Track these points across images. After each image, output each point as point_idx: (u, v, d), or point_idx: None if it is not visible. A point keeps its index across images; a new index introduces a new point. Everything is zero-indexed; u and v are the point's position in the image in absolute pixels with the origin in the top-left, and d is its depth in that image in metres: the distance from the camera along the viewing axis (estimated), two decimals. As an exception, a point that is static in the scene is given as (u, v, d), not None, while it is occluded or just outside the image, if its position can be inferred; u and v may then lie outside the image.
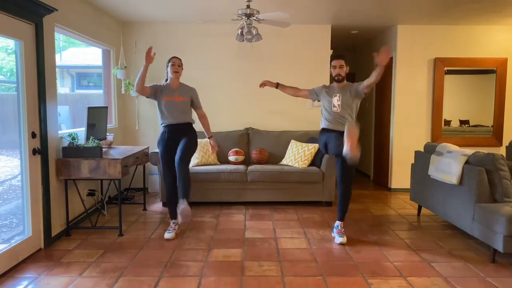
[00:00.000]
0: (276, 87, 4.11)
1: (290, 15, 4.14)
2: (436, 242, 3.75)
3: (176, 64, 3.87)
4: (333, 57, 3.88)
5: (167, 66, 3.90)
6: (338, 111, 3.78)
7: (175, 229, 3.91)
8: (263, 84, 4.13)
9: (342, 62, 3.77)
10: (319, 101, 4.05)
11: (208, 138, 4.11)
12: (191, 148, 3.83)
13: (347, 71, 3.83)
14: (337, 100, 3.79)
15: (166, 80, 3.96)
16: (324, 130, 3.91)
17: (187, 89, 3.97)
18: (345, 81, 3.87)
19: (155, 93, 3.86)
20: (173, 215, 3.94)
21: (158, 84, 3.93)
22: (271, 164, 5.26)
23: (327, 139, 3.78)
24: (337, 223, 3.87)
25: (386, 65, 3.45)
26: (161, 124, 3.91)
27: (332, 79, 3.95)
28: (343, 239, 3.72)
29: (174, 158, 3.76)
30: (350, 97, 3.79)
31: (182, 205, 3.56)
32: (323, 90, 3.93)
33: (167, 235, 3.84)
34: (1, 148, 4.02)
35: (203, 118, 4.09)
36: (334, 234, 3.85)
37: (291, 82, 5.74)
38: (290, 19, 4.32)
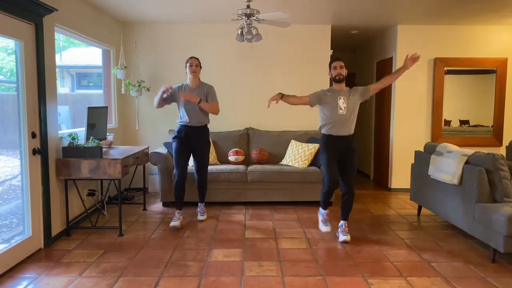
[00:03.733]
0: (281, 98, 3.86)
1: (290, 15, 4.14)
2: (436, 242, 3.75)
3: (194, 64, 4.11)
4: (332, 59, 3.90)
5: (186, 67, 4.13)
6: (345, 113, 3.71)
7: (180, 219, 4.19)
8: (271, 101, 3.87)
9: (342, 63, 3.83)
10: (312, 106, 4.01)
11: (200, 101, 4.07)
12: (206, 157, 4.32)
13: (346, 73, 3.85)
14: (343, 102, 3.75)
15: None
16: (329, 139, 3.79)
17: (203, 87, 4.20)
18: (345, 85, 3.87)
19: (173, 99, 4.16)
20: (179, 206, 4.24)
21: (175, 87, 4.16)
22: (271, 164, 5.25)
23: (340, 157, 3.79)
24: (341, 222, 3.90)
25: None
26: (178, 122, 4.22)
27: (332, 81, 3.92)
28: (347, 237, 3.76)
29: (186, 155, 4.22)
30: (354, 99, 3.80)
31: (200, 217, 4.45)
32: (326, 93, 3.84)
33: (173, 223, 4.11)
34: (1, 148, 4.03)
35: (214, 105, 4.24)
36: (338, 232, 3.89)
37: (291, 82, 5.78)
38: (290, 19, 4.31)
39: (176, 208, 4.24)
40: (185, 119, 4.13)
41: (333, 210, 4.82)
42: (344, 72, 3.82)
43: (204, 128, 4.26)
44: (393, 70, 5.87)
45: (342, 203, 3.87)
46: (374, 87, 3.92)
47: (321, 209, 4.03)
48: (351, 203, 3.85)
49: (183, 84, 4.21)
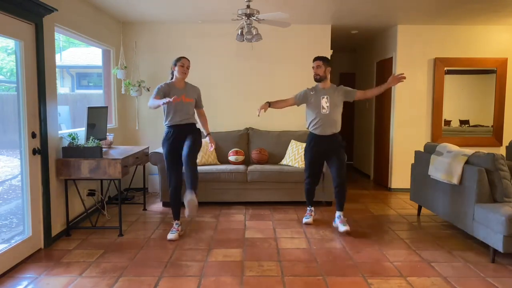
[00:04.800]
0: (269, 106, 4.09)
1: (290, 15, 4.14)
2: (436, 242, 3.75)
3: (185, 66, 3.82)
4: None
5: (175, 65, 3.82)
6: (327, 112, 3.87)
7: (178, 230, 3.88)
8: (260, 110, 4.03)
9: (319, 62, 3.95)
10: (298, 106, 4.21)
11: (207, 135, 4.11)
12: (196, 145, 3.81)
13: (327, 72, 3.96)
14: (326, 101, 3.86)
15: (171, 78, 3.90)
16: (314, 138, 4.01)
17: (192, 89, 3.96)
18: (329, 82, 4.00)
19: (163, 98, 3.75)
20: (176, 216, 3.92)
21: (163, 85, 3.80)
22: (271, 164, 5.25)
23: (326, 156, 4.03)
24: (338, 213, 4.05)
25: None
26: (166, 124, 3.85)
27: (333, 79, 4.00)
28: (347, 227, 3.89)
29: (179, 159, 3.76)
30: (338, 98, 3.89)
31: (190, 195, 3.54)
32: (309, 93, 4.01)
33: (170, 235, 3.80)
34: (1, 148, 4.03)
35: (203, 116, 4.12)
36: (337, 223, 4.01)
37: (291, 82, 5.78)
38: (290, 19, 4.31)
39: (174, 218, 3.94)
40: (174, 118, 3.79)
41: (331, 210, 4.82)
42: (321, 71, 3.92)
43: (193, 126, 3.90)
44: (393, 71, 5.90)
45: (335, 196, 4.04)
46: (360, 95, 4.02)
47: (308, 208, 4.34)
48: (344, 194, 4.03)
49: (167, 83, 3.86)
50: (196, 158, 3.78)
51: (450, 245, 3.67)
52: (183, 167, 3.74)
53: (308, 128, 4.13)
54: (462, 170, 3.62)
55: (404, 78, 3.80)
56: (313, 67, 3.97)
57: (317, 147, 4.01)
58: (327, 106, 3.86)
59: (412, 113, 5.87)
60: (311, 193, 4.28)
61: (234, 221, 4.39)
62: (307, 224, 4.22)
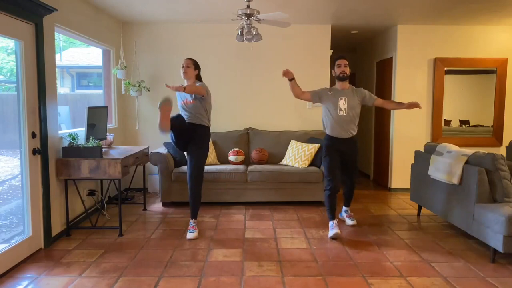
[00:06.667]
0: (290, 80, 3.80)
1: (290, 15, 4.14)
2: (436, 242, 3.75)
3: (185, 65, 3.89)
4: (336, 57, 3.95)
5: None
6: (344, 115, 3.77)
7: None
8: (284, 72, 3.74)
9: (346, 61, 3.87)
10: (313, 103, 4.12)
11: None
12: (201, 159, 3.89)
13: (349, 73, 3.89)
14: (343, 103, 3.77)
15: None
16: (332, 140, 3.88)
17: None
18: (349, 84, 3.93)
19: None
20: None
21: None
22: (271, 164, 5.25)
23: (342, 158, 3.91)
24: (345, 208, 4.26)
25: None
26: None
27: (334, 79, 3.98)
28: (354, 222, 4.18)
29: (185, 140, 3.87)
30: (356, 100, 3.83)
31: (188, 234, 3.83)
32: (327, 93, 3.90)
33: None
34: (1, 148, 4.02)
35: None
36: (344, 216, 4.21)
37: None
38: (290, 19, 4.31)
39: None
40: (184, 115, 3.91)
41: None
42: (348, 70, 3.86)
43: (200, 127, 3.90)
44: (393, 71, 5.90)
45: (344, 195, 4.20)
46: (379, 103, 3.97)
47: (330, 223, 3.85)
48: (353, 192, 4.24)
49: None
50: (199, 177, 3.86)
51: (450, 245, 3.67)
52: None
53: (325, 130, 3.98)
54: (462, 170, 3.62)
55: (420, 107, 3.96)
56: (339, 65, 3.79)
57: (335, 149, 3.86)
58: (345, 108, 3.75)
59: (412, 113, 5.85)
60: (334, 203, 3.86)
61: (234, 221, 4.39)
62: (335, 238, 3.75)
